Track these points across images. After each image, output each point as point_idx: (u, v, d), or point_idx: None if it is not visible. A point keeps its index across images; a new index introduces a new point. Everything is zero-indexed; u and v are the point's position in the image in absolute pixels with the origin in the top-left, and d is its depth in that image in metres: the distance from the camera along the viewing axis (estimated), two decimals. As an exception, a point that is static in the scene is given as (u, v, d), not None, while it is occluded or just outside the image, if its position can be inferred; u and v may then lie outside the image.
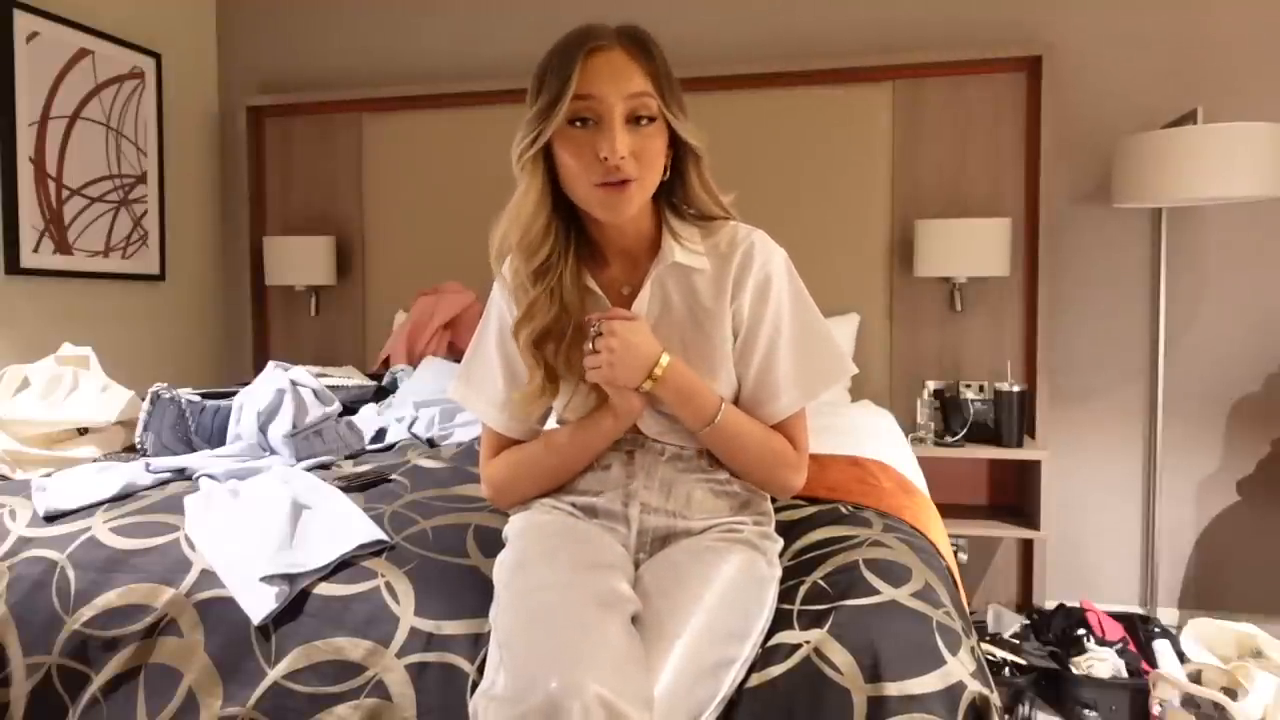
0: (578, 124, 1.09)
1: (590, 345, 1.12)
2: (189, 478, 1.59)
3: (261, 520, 1.30)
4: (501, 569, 1.11)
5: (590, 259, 1.22)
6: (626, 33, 1.12)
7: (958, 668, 1.00)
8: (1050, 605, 2.66)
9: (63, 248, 2.92)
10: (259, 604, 1.17)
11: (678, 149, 1.17)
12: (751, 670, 1.03)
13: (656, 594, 1.05)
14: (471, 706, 0.96)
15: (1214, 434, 2.75)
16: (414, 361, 2.81)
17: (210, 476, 1.56)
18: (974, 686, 0.99)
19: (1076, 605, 2.51)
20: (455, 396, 1.32)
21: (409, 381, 2.45)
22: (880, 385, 2.93)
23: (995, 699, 1.01)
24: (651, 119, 1.10)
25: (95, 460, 1.76)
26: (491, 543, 1.25)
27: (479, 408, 1.29)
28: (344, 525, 1.29)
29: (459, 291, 2.98)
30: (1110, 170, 2.64)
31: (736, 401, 1.24)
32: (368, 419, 2.12)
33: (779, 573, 1.15)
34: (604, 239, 1.21)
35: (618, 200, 1.10)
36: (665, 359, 1.13)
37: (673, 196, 1.21)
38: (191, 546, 1.29)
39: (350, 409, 2.22)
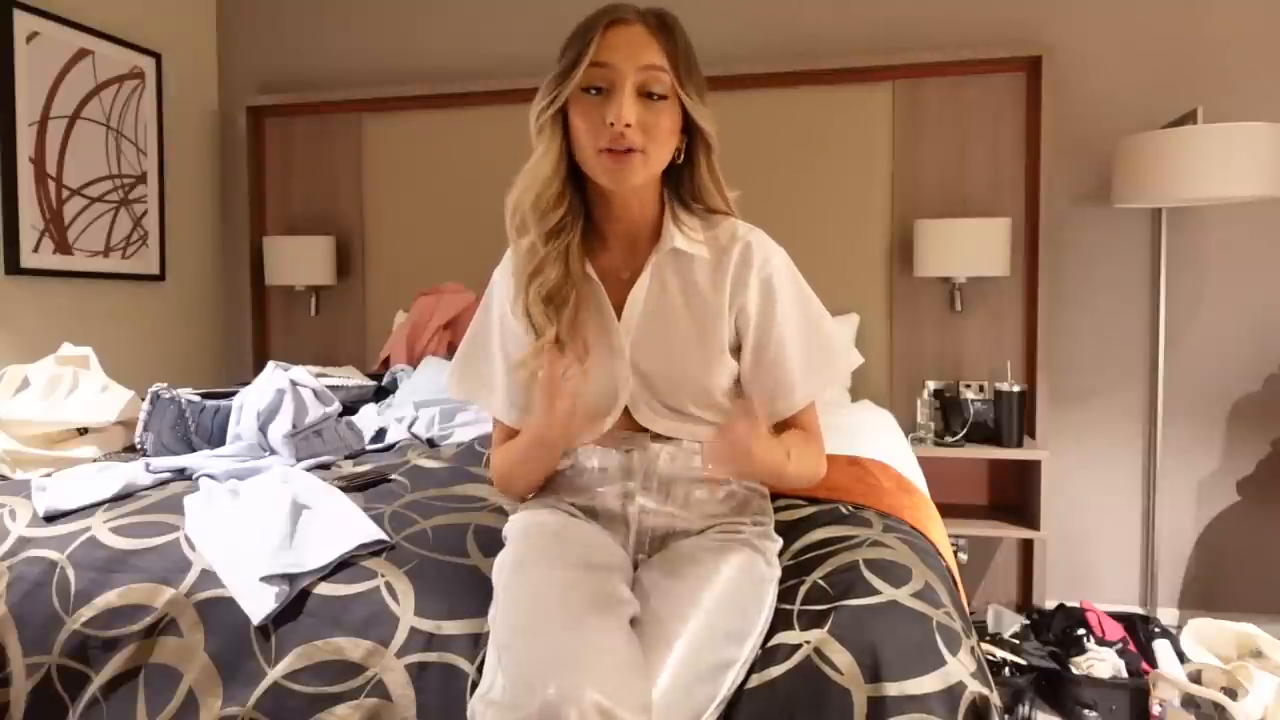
0: (592, 91, 1.12)
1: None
2: (189, 478, 1.59)
3: (261, 520, 1.30)
4: (501, 570, 1.11)
5: (590, 243, 1.22)
6: (652, 11, 1.15)
7: (958, 668, 1.00)
8: (1050, 605, 2.66)
9: (63, 248, 2.92)
10: (259, 604, 1.17)
11: (691, 137, 1.18)
12: (751, 671, 1.03)
13: (655, 595, 1.05)
14: (470, 710, 0.95)
15: (1214, 434, 2.75)
16: (414, 361, 2.81)
17: (210, 476, 1.56)
18: (974, 686, 0.99)
19: (1076, 605, 2.51)
20: (455, 392, 1.32)
21: (409, 381, 2.45)
22: (880, 385, 2.93)
23: (995, 699, 1.01)
24: (664, 96, 1.12)
25: (95, 460, 1.76)
26: (491, 542, 1.24)
27: (484, 400, 1.30)
28: (344, 525, 1.29)
29: (459, 291, 2.98)
30: (1110, 170, 2.64)
31: (742, 392, 1.25)
32: (368, 419, 2.11)
33: (778, 573, 1.15)
34: (608, 220, 1.21)
35: (620, 168, 1.11)
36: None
37: (680, 187, 1.22)
38: (191, 546, 1.29)
39: (350, 409, 2.22)
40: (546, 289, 1.16)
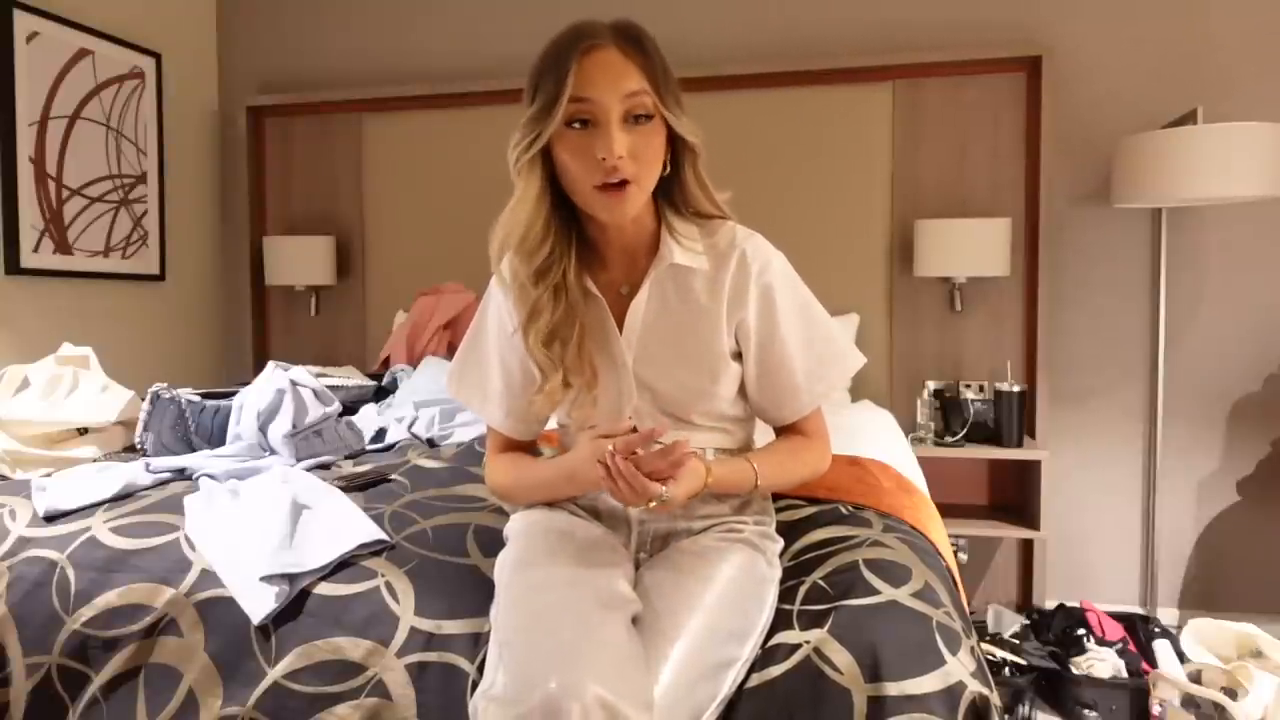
0: (575, 125, 1.08)
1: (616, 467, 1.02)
2: (189, 478, 1.59)
3: (261, 520, 1.30)
4: (502, 568, 1.11)
5: (588, 259, 1.21)
6: (620, 29, 1.10)
7: (958, 668, 1.00)
8: (1050, 605, 2.66)
9: (63, 248, 2.92)
10: (259, 604, 1.17)
11: (675, 144, 1.15)
12: (751, 670, 1.03)
13: (657, 594, 1.05)
14: (471, 706, 0.96)
15: (1214, 434, 2.75)
16: (414, 361, 2.81)
17: (210, 476, 1.56)
18: (974, 686, 0.99)
19: (1076, 605, 2.51)
20: (453, 395, 1.32)
21: (409, 381, 2.45)
22: (880, 385, 2.93)
23: (995, 699, 1.01)
24: (649, 117, 1.09)
25: (95, 460, 1.76)
26: (491, 542, 1.25)
27: (479, 407, 1.30)
28: (344, 525, 1.29)
29: (459, 291, 2.98)
30: (1110, 170, 2.64)
31: (744, 403, 1.25)
32: (368, 419, 2.11)
33: (779, 573, 1.15)
34: (604, 239, 1.20)
35: (619, 202, 1.09)
36: (708, 484, 1.09)
37: (670, 194, 1.20)
38: (191, 546, 1.29)
39: (350, 409, 2.22)
40: (545, 331, 1.14)
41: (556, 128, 1.08)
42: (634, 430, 1.06)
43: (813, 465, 1.24)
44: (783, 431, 1.27)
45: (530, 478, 1.23)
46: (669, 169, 1.16)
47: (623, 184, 1.08)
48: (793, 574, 1.17)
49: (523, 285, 1.16)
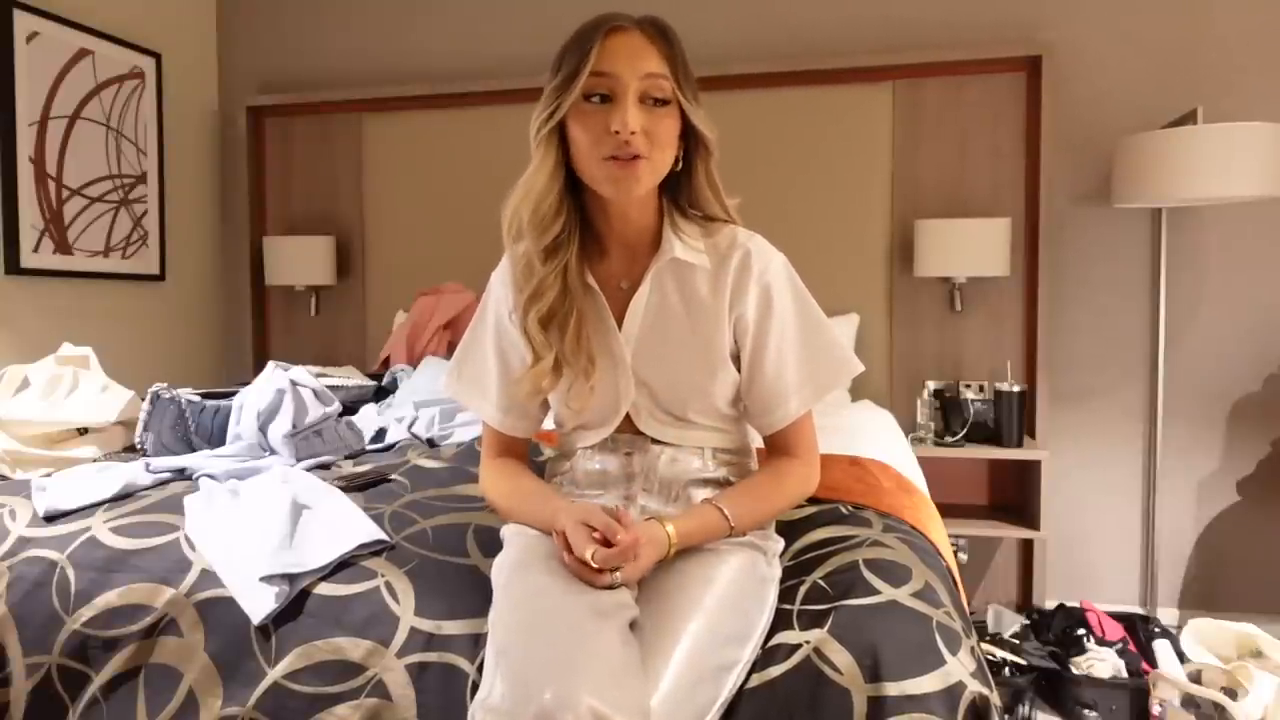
0: (594, 99, 1.11)
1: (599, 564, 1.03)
2: (189, 478, 1.59)
3: (261, 520, 1.30)
4: (499, 571, 1.11)
5: (589, 253, 1.22)
6: (647, 19, 1.14)
7: (958, 668, 1.00)
8: (1050, 605, 2.66)
9: (63, 248, 2.92)
10: (259, 604, 1.17)
11: (688, 143, 1.17)
12: (751, 670, 1.03)
13: (656, 597, 1.05)
14: (470, 715, 0.95)
15: (1214, 434, 2.75)
16: (414, 361, 2.81)
17: (210, 476, 1.56)
18: (974, 686, 0.99)
19: (1076, 605, 2.51)
20: (451, 394, 1.32)
21: (409, 381, 2.45)
22: (880, 385, 2.93)
23: (995, 699, 1.01)
24: (665, 101, 1.11)
25: (95, 460, 1.76)
26: (491, 542, 1.24)
27: (476, 405, 1.30)
28: (344, 525, 1.29)
29: (459, 291, 2.98)
30: (1110, 170, 2.64)
31: (740, 404, 1.24)
32: (368, 419, 2.11)
33: (779, 572, 1.15)
34: (607, 230, 1.20)
35: (626, 176, 1.10)
36: (673, 547, 1.09)
37: (678, 193, 1.21)
38: (191, 546, 1.29)
39: (350, 409, 2.22)
40: (544, 311, 1.15)
41: (575, 100, 1.10)
42: (616, 511, 1.08)
43: (795, 491, 1.22)
44: (771, 442, 1.25)
45: (522, 509, 1.21)
46: (680, 165, 1.17)
47: (633, 159, 1.09)
48: (793, 574, 1.17)
49: (530, 262, 1.17)
